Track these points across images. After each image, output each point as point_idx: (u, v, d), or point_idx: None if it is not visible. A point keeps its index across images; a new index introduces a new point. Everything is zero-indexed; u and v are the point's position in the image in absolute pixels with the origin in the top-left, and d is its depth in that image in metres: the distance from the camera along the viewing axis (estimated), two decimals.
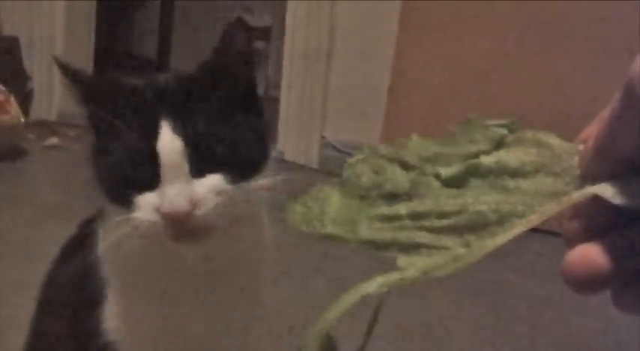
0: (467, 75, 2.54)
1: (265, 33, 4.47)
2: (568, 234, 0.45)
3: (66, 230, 2.13)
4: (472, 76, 2.52)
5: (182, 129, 0.72)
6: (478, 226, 0.48)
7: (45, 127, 3.38)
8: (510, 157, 0.49)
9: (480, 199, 0.49)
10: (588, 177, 0.45)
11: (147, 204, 0.72)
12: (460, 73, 2.54)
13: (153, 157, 0.71)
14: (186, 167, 0.72)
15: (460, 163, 0.51)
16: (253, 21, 4.46)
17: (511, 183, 0.48)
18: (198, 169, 0.73)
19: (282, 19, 3.27)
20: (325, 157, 2.97)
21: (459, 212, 0.49)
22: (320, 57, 2.97)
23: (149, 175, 0.72)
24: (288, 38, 3.10)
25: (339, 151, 2.96)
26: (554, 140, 0.49)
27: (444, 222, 0.49)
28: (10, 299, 1.73)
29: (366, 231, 0.53)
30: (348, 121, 2.98)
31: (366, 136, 2.84)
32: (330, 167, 2.81)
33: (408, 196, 0.52)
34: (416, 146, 0.55)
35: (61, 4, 3.49)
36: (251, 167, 0.76)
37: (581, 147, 0.47)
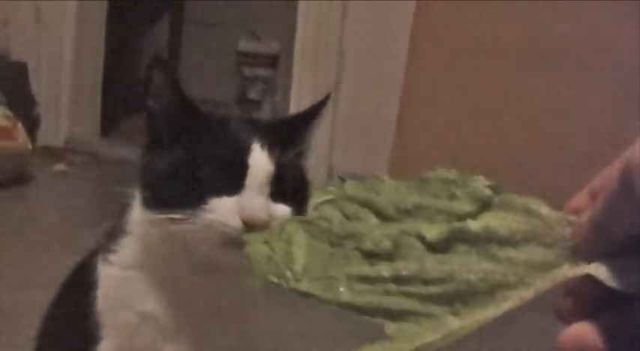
0: (475, 107, 2.53)
1: (272, 60, 4.48)
2: (561, 311, 0.44)
3: (70, 258, 2.14)
4: (480, 109, 2.52)
5: (274, 155, 0.80)
6: (467, 295, 0.47)
7: (51, 154, 3.38)
8: (499, 223, 0.48)
9: (467, 268, 0.47)
10: (582, 252, 0.44)
11: (224, 207, 0.77)
12: (468, 105, 2.54)
13: (241, 166, 0.78)
14: (269, 187, 0.79)
15: (444, 225, 0.50)
16: (260, 48, 4.47)
17: (500, 252, 0.47)
18: (275, 195, 0.80)
19: (291, 47, 3.28)
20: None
21: (446, 280, 0.48)
22: (328, 86, 2.97)
23: (233, 182, 0.78)
24: (296, 66, 3.10)
25: (345, 180, 2.94)
26: (543, 209, 0.48)
27: (431, 289, 0.48)
28: (13, 326, 1.72)
29: (347, 293, 0.51)
30: (355, 151, 2.97)
31: (374, 167, 2.82)
32: None
33: (388, 254, 0.51)
34: (390, 192, 0.54)
35: (70, 29, 3.50)
36: (305, 209, 0.80)
37: (571, 218, 0.46)
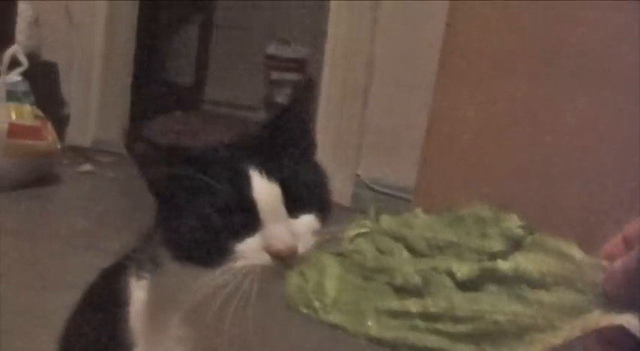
0: (506, 121, 2.51)
1: (300, 65, 4.48)
2: None
3: (95, 259, 2.14)
4: (511, 122, 2.49)
5: (273, 174, 0.77)
6: (495, 335, 0.47)
7: (79, 153, 3.40)
8: (530, 265, 0.48)
9: (497, 308, 0.47)
10: (614, 300, 0.43)
11: (250, 249, 0.75)
12: (500, 119, 2.51)
13: (249, 204, 0.75)
14: (283, 208, 0.76)
15: (474, 263, 0.50)
16: (289, 52, 4.48)
17: (531, 294, 0.47)
18: (293, 211, 0.77)
19: (320, 51, 3.28)
20: (358, 196, 2.94)
21: (474, 319, 0.48)
22: (357, 94, 2.96)
23: (248, 223, 0.75)
24: (325, 73, 3.09)
25: (372, 190, 2.94)
26: (576, 252, 0.47)
27: (459, 328, 0.48)
28: (38, 328, 1.73)
29: (376, 327, 0.51)
30: (383, 160, 2.96)
31: (401, 177, 2.82)
32: (363, 206, 2.78)
33: (418, 290, 0.51)
34: (422, 227, 0.54)
35: (101, 30, 3.53)
36: (329, 207, 0.82)
37: (605, 263, 0.45)
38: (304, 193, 0.79)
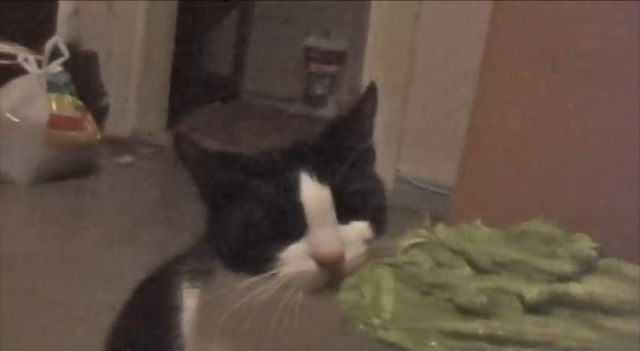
0: (548, 121, 2.47)
1: (339, 57, 4.46)
2: None
3: (136, 251, 2.16)
4: (554, 122, 2.45)
5: (325, 177, 0.74)
6: None
7: (119, 144, 3.41)
8: (604, 291, 0.46)
9: (569, 334, 0.46)
10: None
11: (296, 256, 0.73)
12: (542, 118, 2.47)
13: (296, 207, 0.73)
14: (333, 213, 0.73)
15: (544, 285, 0.48)
16: (328, 44, 4.45)
17: (606, 321, 0.45)
18: (344, 217, 0.74)
19: (360, 44, 3.25)
20: (399, 191, 2.89)
21: (544, 344, 0.46)
22: (398, 87, 2.93)
23: (294, 227, 0.73)
24: (366, 67, 3.07)
25: (413, 185, 2.92)
26: None
27: None
28: (77, 323, 1.74)
29: (440, 349, 0.50)
30: (424, 156, 2.93)
31: (442, 174, 2.79)
32: (403, 202, 2.75)
33: (484, 311, 0.49)
34: (484, 241, 0.52)
35: (141, 21, 3.54)
36: (384, 216, 0.79)
37: None
38: (357, 199, 0.76)
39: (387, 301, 0.53)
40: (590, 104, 2.38)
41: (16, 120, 2.75)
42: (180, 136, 0.79)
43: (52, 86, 2.88)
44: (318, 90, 4.52)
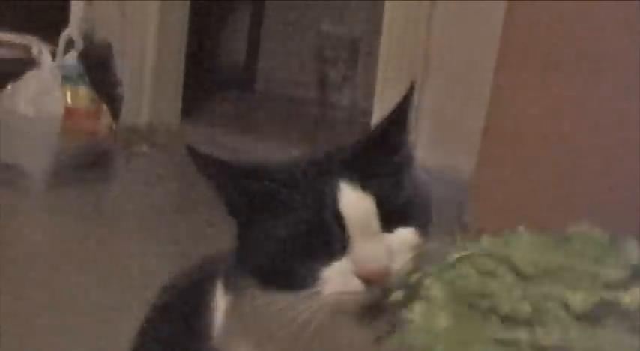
0: (566, 116, 2.44)
1: (354, 42, 4.43)
2: None
3: (151, 242, 2.15)
4: (572, 118, 2.43)
5: (366, 185, 0.69)
6: None
7: (134, 134, 3.41)
8: None
9: (617, 344, 0.43)
10: None
11: (337, 273, 0.68)
12: (559, 114, 2.45)
13: (336, 221, 0.68)
14: (377, 223, 0.68)
15: (590, 292, 0.46)
16: (343, 30, 4.42)
17: None
18: (388, 224, 0.69)
19: (374, 29, 3.22)
20: None
21: None
22: (413, 75, 2.91)
23: (335, 242, 0.68)
24: (381, 54, 3.04)
25: (429, 173, 2.89)
26: None
27: None
28: (91, 316, 1.74)
29: None
30: (438, 150, 2.90)
31: (457, 167, 2.76)
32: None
33: (527, 319, 0.48)
34: (527, 247, 0.50)
35: (155, 10, 3.52)
36: (431, 220, 0.74)
37: None
38: (402, 206, 0.71)
39: (440, 317, 0.51)
40: (610, 100, 2.35)
41: (32, 113, 2.75)
42: (193, 152, 0.76)
43: (67, 78, 2.88)
44: (333, 75, 4.49)
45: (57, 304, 1.81)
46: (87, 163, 2.88)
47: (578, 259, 0.47)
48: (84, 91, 2.92)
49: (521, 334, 0.47)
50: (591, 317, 0.45)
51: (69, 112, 2.82)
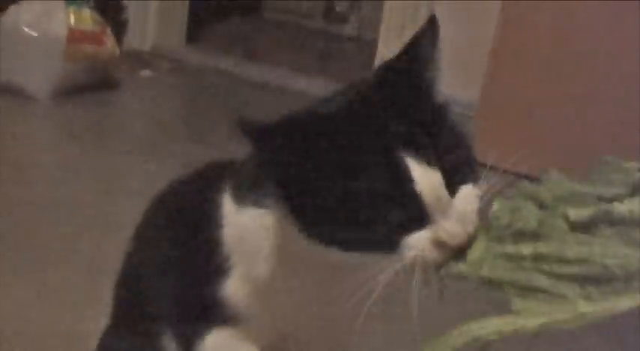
0: (573, 49, 2.43)
1: None
2: None
3: (156, 164, 2.17)
4: (578, 50, 2.41)
5: (430, 159, 0.68)
6: (602, 279, 0.45)
7: (138, 59, 3.40)
8: None
9: (608, 251, 0.45)
10: None
11: (419, 242, 0.68)
12: (566, 45, 2.44)
13: (415, 200, 0.67)
14: (446, 194, 0.68)
15: (592, 207, 0.47)
16: None
17: None
18: (451, 188, 0.69)
19: None
20: None
21: (583, 261, 0.46)
22: (421, 7, 2.88)
23: (414, 218, 0.68)
24: None
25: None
26: None
27: (567, 269, 0.46)
28: (92, 232, 1.77)
29: (488, 269, 0.51)
30: (445, 75, 2.89)
31: (464, 93, 2.76)
32: None
33: (533, 234, 0.50)
34: (553, 183, 0.52)
35: None
36: (477, 165, 0.73)
37: None
38: (459, 167, 0.70)
39: (474, 250, 0.54)
40: (624, 26, 2.34)
41: (35, 34, 2.73)
42: (247, 124, 0.68)
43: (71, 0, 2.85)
44: (339, 7, 4.46)
45: (59, 215, 1.85)
46: (90, 86, 2.87)
47: (591, 184, 0.49)
48: (87, 13, 2.89)
49: (524, 247, 0.49)
50: (588, 227, 0.47)
51: (72, 33, 2.79)
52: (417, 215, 0.67)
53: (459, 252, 0.64)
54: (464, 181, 0.70)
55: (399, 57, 0.75)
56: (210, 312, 0.83)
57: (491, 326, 0.44)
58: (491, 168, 0.72)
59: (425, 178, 0.67)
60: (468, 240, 0.64)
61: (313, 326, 0.85)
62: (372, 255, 0.69)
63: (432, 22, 0.75)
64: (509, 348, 0.52)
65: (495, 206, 0.54)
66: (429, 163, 0.68)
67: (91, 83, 2.89)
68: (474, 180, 0.71)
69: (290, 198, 0.72)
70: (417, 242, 0.67)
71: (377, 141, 0.69)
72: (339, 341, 0.90)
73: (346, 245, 0.70)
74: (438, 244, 0.66)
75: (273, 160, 0.71)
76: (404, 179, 0.67)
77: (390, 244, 0.68)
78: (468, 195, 0.69)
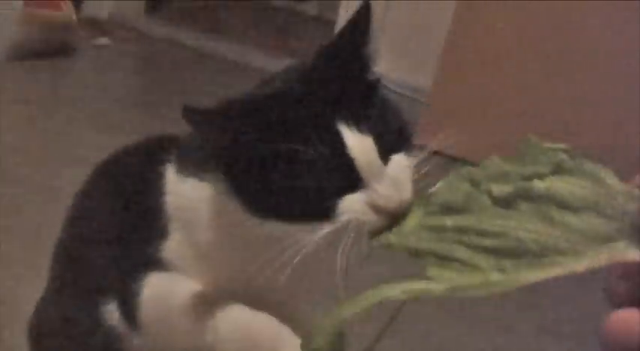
0: (526, 39, 2.46)
1: None
2: (613, 292, 0.42)
3: (107, 133, 2.16)
4: (531, 40, 2.45)
5: (361, 125, 0.70)
6: (516, 253, 0.47)
7: (95, 26, 3.36)
8: (563, 186, 0.47)
9: (523, 226, 0.47)
10: None
11: (354, 205, 0.69)
12: (520, 35, 2.47)
13: (348, 166, 0.69)
14: (378, 159, 0.70)
15: (513, 183, 0.50)
16: None
17: (558, 215, 0.46)
18: (383, 155, 0.71)
19: None
20: None
21: (500, 235, 0.48)
22: None
23: (346, 181, 0.69)
24: None
25: (389, 89, 2.90)
26: (611, 179, 0.46)
27: (484, 241, 0.48)
28: (43, 200, 1.76)
29: (412, 239, 0.53)
30: (401, 59, 2.91)
31: (418, 79, 2.78)
32: None
33: (459, 208, 0.52)
34: (490, 165, 0.54)
35: None
36: (410, 136, 0.76)
37: (638, 193, 0.44)
38: (390, 135, 0.73)
39: (408, 222, 0.55)
40: (580, 15, 2.37)
41: None
42: (192, 111, 0.70)
43: None
44: None
45: (2, 180, 1.83)
46: (45, 52, 2.84)
47: (519, 163, 0.51)
48: None
49: (448, 219, 0.51)
50: (509, 203, 0.49)
51: None
52: (351, 180, 0.69)
53: (394, 220, 0.65)
54: (396, 151, 0.72)
55: (335, 39, 0.77)
56: (150, 271, 0.85)
57: (400, 288, 0.46)
58: (436, 153, 0.74)
59: (357, 142, 0.69)
60: (403, 208, 0.66)
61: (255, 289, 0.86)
62: (308, 224, 0.71)
63: (365, 8, 0.76)
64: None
65: (438, 184, 0.56)
66: (360, 131, 0.70)
67: (46, 49, 2.85)
68: (407, 152, 0.73)
69: (229, 174, 0.75)
70: (351, 204, 0.69)
71: (312, 115, 0.71)
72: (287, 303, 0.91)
73: (284, 216, 0.72)
74: (373, 207, 0.68)
75: (213, 143, 0.74)
76: (337, 145, 0.69)
77: (325, 210, 0.70)
78: (400, 163, 0.72)
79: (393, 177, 0.70)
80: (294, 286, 0.80)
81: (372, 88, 0.76)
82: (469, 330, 1.64)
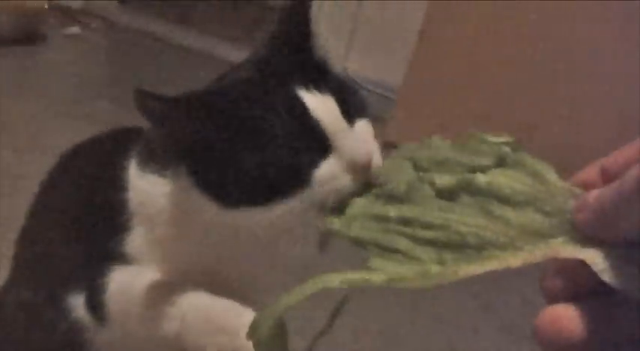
0: (503, 30, 2.47)
1: None
2: (548, 289, 0.43)
3: (75, 123, 2.14)
4: (507, 31, 2.46)
5: (319, 86, 0.70)
6: (456, 246, 0.48)
7: (67, 15, 3.34)
8: (504, 181, 0.48)
9: (463, 220, 0.48)
10: (582, 231, 0.43)
11: (327, 172, 0.68)
12: (495, 27, 2.48)
13: (312, 126, 0.68)
14: (343, 119, 0.70)
15: (457, 175, 0.50)
16: None
17: (498, 210, 0.47)
18: (347, 119, 0.70)
19: None
20: None
21: (441, 227, 0.49)
22: None
23: (317, 146, 0.68)
24: None
25: (358, 85, 2.91)
26: (551, 175, 0.47)
27: (426, 233, 0.49)
28: (15, 188, 1.74)
29: (357, 228, 0.53)
30: (372, 57, 2.91)
31: (389, 76, 2.78)
32: None
33: (402, 198, 0.53)
34: (433, 147, 0.55)
35: None
36: (367, 109, 0.75)
37: (577, 190, 0.44)
38: (350, 98, 0.72)
39: (352, 207, 0.55)
40: (548, 18, 2.39)
41: None
42: (144, 95, 0.69)
43: None
44: None
45: None
46: (15, 39, 2.81)
47: (461, 151, 0.52)
48: None
49: (391, 209, 0.52)
50: (452, 195, 0.50)
51: None
52: (319, 143, 0.68)
53: (366, 186, 0.63)
54: (359, 116, 0.72)
55: (278, 25, 0.78)
56: (114, 265, 0.84)
57: (340, 278, 0.47)
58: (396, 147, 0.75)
59: (319, 104, 0.69)
60: (373, 169, 0.66)
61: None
62: (283, 203, 0.69)
63: None
64: None
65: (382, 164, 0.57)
66: (321, 92, 0.70)
67: (16, 36, 2.83)
68: (367, 118, 0.73)
69: (193, 167, 0.74)
70: (326, 171, 0.68)
71: (270, 90, 0.71)
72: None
73: (258, 199, 0.70)
74: (347, 168, 0.67)
75: (168, 136, 0.74)
76: (299, 109, 0.69)
77: (300, 183, 0.68)
78: (364, 127, 0.72)
79: (360, 135, 0.70)
80: (258, 272, 0.82)
81: (323, 63, 0.76)
82: (428, 326, 1.65)
